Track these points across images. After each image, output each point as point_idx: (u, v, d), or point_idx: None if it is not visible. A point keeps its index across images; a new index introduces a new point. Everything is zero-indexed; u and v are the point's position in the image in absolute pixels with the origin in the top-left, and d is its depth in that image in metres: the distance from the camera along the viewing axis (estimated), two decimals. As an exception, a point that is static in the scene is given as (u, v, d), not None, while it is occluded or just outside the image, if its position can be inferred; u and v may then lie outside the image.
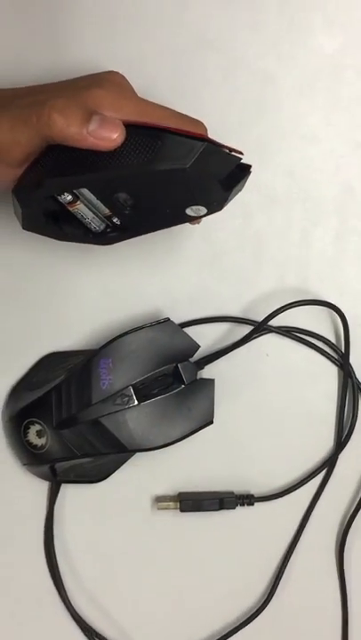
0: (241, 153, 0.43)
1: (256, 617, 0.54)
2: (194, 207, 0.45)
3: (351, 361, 0.54)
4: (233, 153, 0.43)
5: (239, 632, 0.54)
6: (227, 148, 0.43)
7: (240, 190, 0.45)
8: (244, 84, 0.54)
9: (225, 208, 0.45)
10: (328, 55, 0.54)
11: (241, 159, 0.43)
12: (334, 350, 0.55)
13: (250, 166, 0.44)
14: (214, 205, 0.45)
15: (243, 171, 0.44)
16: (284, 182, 0.55)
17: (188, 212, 0.45)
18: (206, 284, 0.55)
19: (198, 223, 0.47)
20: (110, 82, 0.45)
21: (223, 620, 0.55)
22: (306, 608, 0.55)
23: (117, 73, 0.46)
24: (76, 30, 0.54)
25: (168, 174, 0.42)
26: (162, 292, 0.55)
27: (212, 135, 0.45)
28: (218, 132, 0.46)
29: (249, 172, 0.44)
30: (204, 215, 0.46)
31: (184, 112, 0.47)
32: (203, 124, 0.45)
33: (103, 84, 0.45)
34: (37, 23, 0.54)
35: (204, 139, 0.42)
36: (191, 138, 0.42)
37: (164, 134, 0.43)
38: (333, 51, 0.54)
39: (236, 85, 0.54)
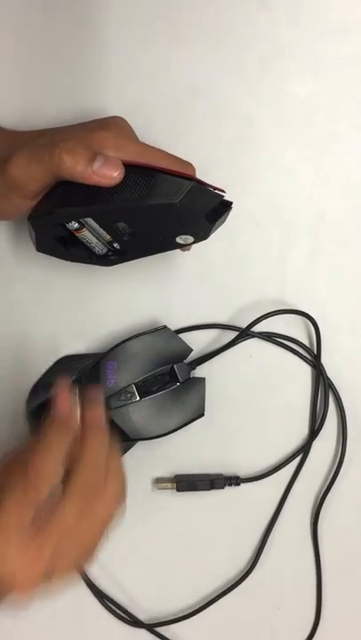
0: (223, 191, 0.46)
1: (243, 581, 0.57)
2: (183, 236, 0.47)
3: (322, 361, 0.57)
4: (217, 191, 0.46)
5: (228, 594, 0.57)
6: (211, 186, 0.45)
7: (223, 222, 0.48)
8: (228, 124, 0.57)
9: (210, 237, 0.47)
10: (301, 99, 0.57)
11: (223, 197, 0.46)
12: (308, 352, 0.58)
13: (231, 203, 0.46)
14: (200, 235, 0.47)
15: (225, 206, 0.47)
16: (264, 209, 0.58)
17: (178, 240, 0.48)
18: (197, 297, 0.58)
19: (188, 250, 0.50)
20: (114, 125, 0.48)
21: (214, 584, 0.58)
22: (285, 573, 0.59)
23: (121, 118, 0.49)
24: (84, 81, 0.57)
25: (160, 208, 0.45)
26: (159, 304, 0.57)
27: (201, 168, 0.48)
28: (206, 166, 0.50)
29: (230, 208, 0.47)
30: (192, 243, 0.48)
31: (178, 149, 0.51)
32: (192, 165, 0.48)
33: (108, 127, 0.48)
34: (51, 75, 0.56)
35: (191, 178, 0.45)
36: (181, 177, 0.45)
37: (157, 174, 0.45)
38: (305, 95, 0.57)
39: (222, 126, 0.57)
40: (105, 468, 0.42)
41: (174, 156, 0.47)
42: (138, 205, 0.45)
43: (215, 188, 0.45)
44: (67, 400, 0.44)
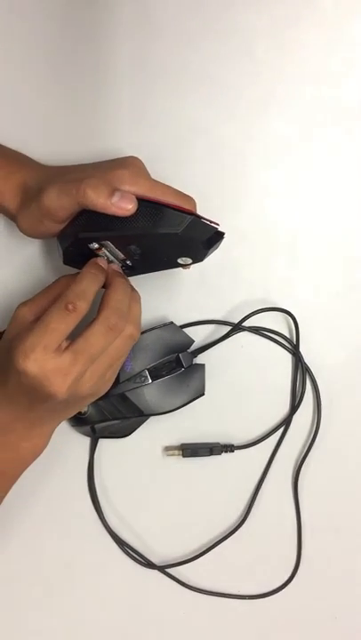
0: (217, 224, 0.49)
1: (236, 530, 0.61)
2: (183, 258, 0.51)
3: (300, 350, 0.61)
4: (212, 224, 0.49)
5: (225, 541, 0.61)
6: (208, 220, 0.49)
7: (217, 248, 0.51)
8: (222, 158, 0.61)
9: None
10: (282, 136, 0.60)
11: (217, 229, 0.49)
12: (289, 343, 0.61)
13: (223, 233, 0.50)
14: (197, 258, 0.51)
15: (219, 236, 0.50)
16: (252, 226, 0.61)
17: (179, 261, 0.52)
18: (198, 298, 0.61)
19: (189, 269, 0.53)
20: (131, 164, 0.52)
21: (213, 532, 0.62)
22: (271, 523, 0.62)
23: (137, 158, 0.53)
24: (101, 124, 0.60)
25: (165, 236, 0.49)
26: (167, 304, 0.61)
27: (200, 194, 0.50)
28: (204, 192, 0.53)
29: (223, 237, 0.50)
30: (190, 264, 0.52)
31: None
32: (193, 198, 0.51)
33: (126, 166, 0.51)
34: (74, 121, 0.60)
35: (192, 213, 0.49)
36: (183, 212, 0.49)
37: (164, 208, 0.49)
38: (286, 133, 0.60)
39: (217, 159, 0.61)
40: (127, 309, 0.49)
41: (179, 191, 0.50)
42: (147, 233, 0.49)
43: (211, 222, 0.49)
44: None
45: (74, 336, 0.48)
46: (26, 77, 0.59)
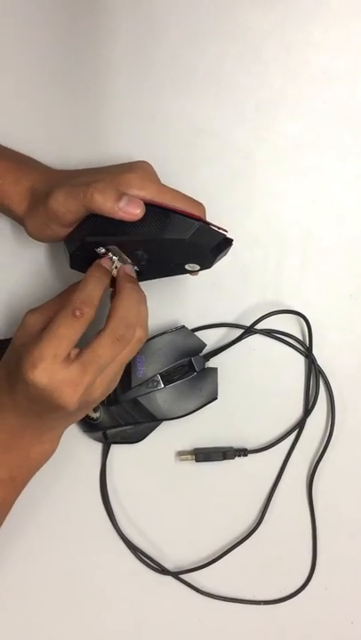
0: (226, 230, 0.48)
1: (251, 535, 0.61)
2: (190, 264, 0.50)
3: (313, 352, 0.60)
4: (220, 231, 0.48)
5: (239, 546, 0.61)
6: (215, 226, 0.48)
7: (225, 255, 0.50)
8: (231, 159, 0.60)
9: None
10: (291, 137, 0.60)
11: (225, 235, 0.48)
12: (301, 345, 0.61)
13: (232, 240, 0.49)
14: (205, 265, 0.50)
15: (227, 243, 0.49)
16: (262, 228, 0.61)
17: (187, 267, 0.51)
18: (210, 301, 0.61)
19: (197, 275, 0.52)
20: (140, 168, 0.51)
21: (227, 538, 0.61)
22: (286, 527, 0.62)
23: (146, 162, 0.52)
24: (111, 127, 0.59)
25: (173, 242, 0.48)
26: (179, 308, 0.60)
27: (208, 196, 0.50)
28: (213, 195, 0.54)
29: (231, 244, 0.49)
30: (198, 271, 0.51)
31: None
32: (202, 204, 0.50)
33: (135, 170, 0.50)
34: (84, 125, 0.59)
35: (200, 219, 0.48)
36: (191, 218, 0.48)
37: (172, 213, 0.48)
38: (295, 134, 0.60)
39: (226, 161, 0.60)
40: (136, 317, 0.49)
41: (188, 197, 0.50)
42: (154, 238, 0.48)
43: (219, 228, 0.48)
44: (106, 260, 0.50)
45: (83, 342, 0.47)
46: (30, 80, 0.59)
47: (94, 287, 0.48)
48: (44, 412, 0.48)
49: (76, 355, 0.47)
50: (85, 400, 0.47)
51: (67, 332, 0.46)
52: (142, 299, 0.51)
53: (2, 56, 0.59)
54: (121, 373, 0.51)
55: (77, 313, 0.46)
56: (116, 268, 0.51)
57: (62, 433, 0.53)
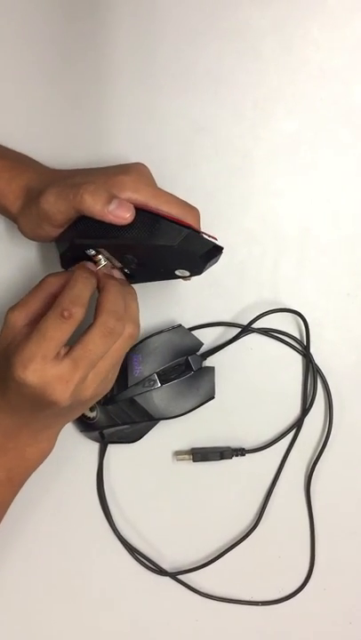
0: (215, 238, 0.48)
1: (249, 535, 0.60)
2: (180, 270, 0.50)
3: (311, 351, 0.60)
4: (210, 238, 0.48)
5: (237, 546, 0.60)
6: (205, 234, 0.48)
7: (216, 262, 0.49)
8: (228, 157, 0.60)
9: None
10: (288, 134, 0.60)
11: (215, 243, 0.48)
12: (299, 344, 0.60)
13: (222, 248, 0.48)
14: (195, 271, 0.49)
15: (217, 250, 0.48)
16: (259, 226, 0.60)
17: (177, 272, 0.50)
18: (206, 300, 0.60)
19: (189, 280, 0.51)
20: (135, 170, 0.50)
21: (224, 538, 0.61)
22: (284, 527, 0.61)
23: (142, 164, 0.51)
24: (108, 126, 0.59)
25: (162, 248, 0.47)
26: (175, 307, 0.60)
27: (206, 195, 0.52)
28: (211, 193, 0.54)
29: (221, 252, 0.48)
30: (189, 277, 0.50)
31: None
32: (196, 209, 0.49)
33: (129, 172, 0.50)
34: (79, 123, 0.59)
35: (189, 227, 0.48)
36: (180, 225, 0.47)
37: (161, 219, 0.48)
38: (292, 131, 0.59)
39: (223, 158, 0.60)
40: (124, 310, 0.48)
41: (182, 201, 0.49)
42: (143, 244, 0.48)
43: (209, 236, 0.48)
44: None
45: (72, 341, 0.47)
46: (29, 79, 0.59)
47: (83, 287, 0.47)
48: (38, 411, 0.48)
49: (66, 352, 0.46)
50: (78, 396, 0.47)
51: (55, 334, 0.45)
52: (130, 294, 0.50)
53: (1, 55, 0.58)
54: (116, 372, 0.51)
55: (66, 314, 0.45)
56: (99, 268, 0.51)
57: (58, 432, 0.53)
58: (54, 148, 0.58)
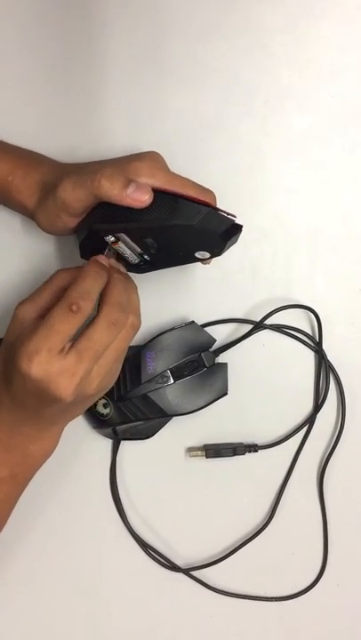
0: (235, 216, 0.48)
1: (262, 531, 0.60)
2: (200, 252, 0.49)
3: (323, 347, 0.60)
4: (229, 216, 0.48)
5: (250, 542, 0.60)
6: (224, 212, 0.48)
7: (235, 242, 0.49)
8: (240, 154, 0.60)
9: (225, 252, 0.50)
10: (300, 131, 0.59)
11: (234, 221, 0.48)
12: (311, 340, 0.60)
13: (241, 226, 0.49)
14: (215, 252, 0.49)
15: (236, 228, 0.48)
16: (271, 223, 0.60)
17: (197, 255, 0.50)
18: (219, 297, 0.60)
19: (209, 263, 0.52)
20: (149, 157, 0.51)
21: (238, 534, 0.61)
22: (297, 523, 0.61)
23: (155, 152, 0.52)
24: (122, 123, 0.59)
25: (181, 228, 0.47)
26: (188, 303, 0.60)
27: (217, 191, 0.50)
28: (222, 189, 0.52)
29: (240, 230, 0.49)
30: (209, 258, 0.50)
31: (198, 175, 0.52)
32: (212, 191, 0.50)
33: (143, 159, 0.50)
34: (91, 120, 0.58)
35: (208, 205, 0.47)
36: (198, 204, 0.47)
37: (180, 200, 0.48)
38: (304, 129, 0.59)
39: (235, 155, 0.60)
40: (127, 303, 0.48)
41: (198, 184, 0.49)
42: (162, 225, 0.47)
43: (228, 214, 0.48)
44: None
45: (76, 334, 0.46)
46: (39, 76, 0.58)
47: (92, 282, 0.47)
48: (42, 406, 0.47)
49: (70, 345, 0.46)
50: (82, 391, 0.46)
51: (62, 327, 0.45)
52: (132, 287, 0.50)
53: (12, 51, 0.58)
54: (119, 366, 0.50)
55: (74, 308, 0.45)
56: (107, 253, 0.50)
57: (62, 429, 0.52)
58: (64, 144, 0.58)
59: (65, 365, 0.45)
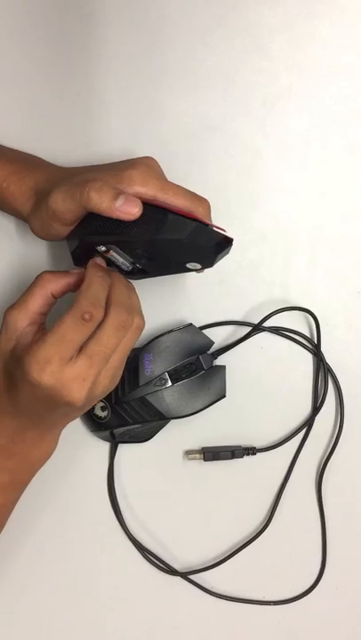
0: (224, 230, 0.48)
1: (260, 535, 0.60)
2: (191, 263, 0.49)
3: (322, 350, 0.59)
4: (218, 230, 0.48)
5: (248, 546, 0.60)
6: (214, 226, 0.48)
7: (227, 254, 0.49)
8: (238, 155, 0.59)
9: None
10: (298, 133, 0.59)
11: (223, 235, 0.47)
12: (310, 342, 0.60)
13: (232, 239, 0.48)
14: (206, 264, 0.49)
15: (227, 242, 0.48)
16: (270, 224, 0.60)
17: (189, 265, 0.50)
18: (217, 299, 0.60)
19: (202, 272, 0.51)
20: (144, 164, 0.50)
21: (236, 537, 0.60)
22: (295, 526, 0.61)
23: (151, 158, 0.51)
24: (116, 125, 0.58)
25: (171, 242, 0.47)
26: (186, 306, 0.60)
27: (216, 192, 0.50)
28: (221, 190, 0.54)
29: (231, 244, 0.48)
30: (200, 270, 0.50)
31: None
32: (206, 200, 0.49)
33: (137, 166, 0.49)
34: (90, 122, 0.58)
35: (197, 219, 0.47)
36: (187, 218, 0.47)
37: (169, 213, 0.47)
38: (303, 129, 0.59)
39: (233, 156, 0.59)
40: (130, 305, 0.48)
41: (192, 193, 0.49)
42: (151, 238, 0.47)
43: (218, 228, 0.48)
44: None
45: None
46: (38, 77, 0.58)
47: (99, 287, 0.47)
48: (47, 412, 0.47)
49: (78, 351, 0.45)
50: (91, 394, 0.46)
51: (75, 336, 0.45)
52: (131, 287, 0.50)
53: (10, 51, 0.58)
54: (123, 366, 0.50)
55: (87, 317, 0.45)
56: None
57: (61, 432, 0.52)
58: (63, 147, 0.58)
59: (76, 371, 0.45)
